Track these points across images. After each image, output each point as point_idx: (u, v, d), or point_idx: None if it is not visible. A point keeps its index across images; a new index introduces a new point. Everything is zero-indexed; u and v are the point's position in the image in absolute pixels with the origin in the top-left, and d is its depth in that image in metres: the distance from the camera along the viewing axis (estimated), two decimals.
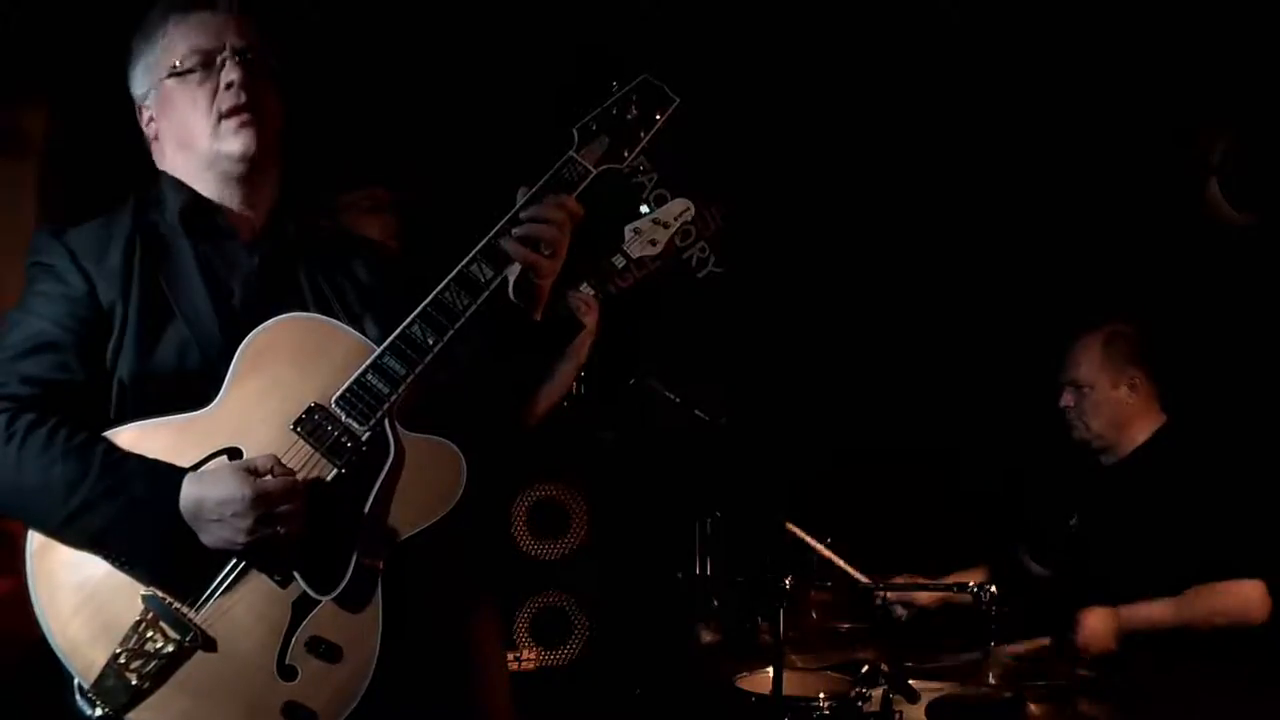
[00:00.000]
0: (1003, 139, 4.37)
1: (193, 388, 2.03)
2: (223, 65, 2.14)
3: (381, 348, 2.05)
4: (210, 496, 1.93)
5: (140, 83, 2.22)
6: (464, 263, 2.10)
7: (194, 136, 2.15)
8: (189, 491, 1.94)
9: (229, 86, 2.12)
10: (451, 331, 2.06)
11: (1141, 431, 3.55)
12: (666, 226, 3.19)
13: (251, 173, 2.16)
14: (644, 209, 3.18)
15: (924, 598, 3.69)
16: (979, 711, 3.08)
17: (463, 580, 3.35)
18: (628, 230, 3.23)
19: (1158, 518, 3.36)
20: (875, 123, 4.42)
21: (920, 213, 4.43)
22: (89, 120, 3.58)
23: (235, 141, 2.12)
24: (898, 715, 3.05)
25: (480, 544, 3.50)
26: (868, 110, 4.42)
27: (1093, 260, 4.33)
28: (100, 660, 1.94)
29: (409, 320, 2.06)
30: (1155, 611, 3.26)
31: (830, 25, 4.38)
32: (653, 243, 3.18)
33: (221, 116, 2.13)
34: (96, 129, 3.54)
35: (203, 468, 1.99)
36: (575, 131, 2.22)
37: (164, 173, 2.22)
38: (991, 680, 3.11)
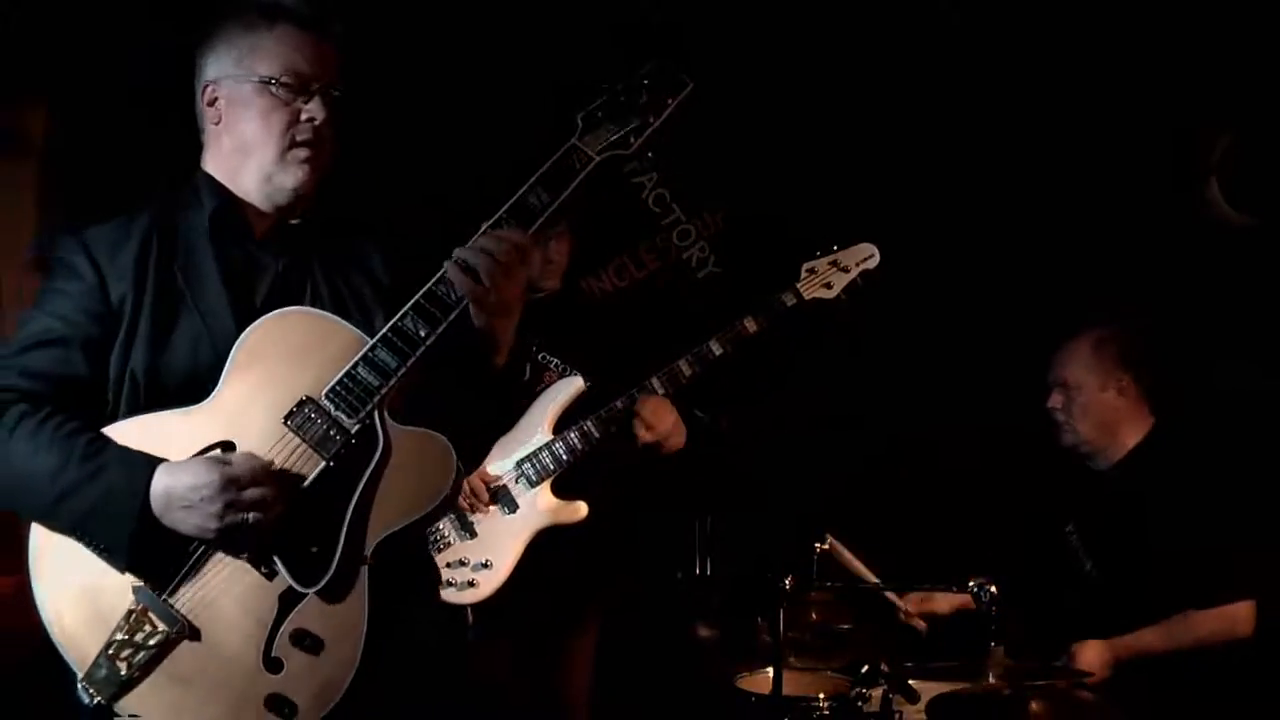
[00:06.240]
0: (1002, 139, 4.36)
1: (204, 383, 2.05)
2: (310, 97, 2.16)
3: (372, 341, 2.04)
4: (179, 484, 1.96)
5: (219, 66, 2.20)
6: (455, 254, 2.08)
7: (255, 149, 2.17)
8: (159, 481, 1.96)
9: (309, 120, 2.15)
10: (445, 324, 2.04)
11: (1131, 436, 3.53)
12: (846, 270, 3.03)
13: (295, 201, 2.20)
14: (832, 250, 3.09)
15: (943, 606, 3.67)
16: (979, 711, 3.07)
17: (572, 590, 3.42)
18: (803, 268, 3.13)
19: (1149, 525, 3.35)
20: (875, 123, 4.42)
21: (918, 213, 4.42)
22: (89, 120, 3.58)
23: (293, 176, 2.17)
24: (898, 715, 3.05)
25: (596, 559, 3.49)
26: (867, 111, 4.41)
27: (1092, 261, 4.32)
28: (94, 651, 1.98)
29: (401, 313, 2.05)
30: (1147, 640, 3.29)
31: (831, 25, 4.37)
32: (828, 285, 3.03)
33: (292, 145, 2.15)
34: (96, 129, 3.55)
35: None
36: (579, 119, 2.14)
37: (203, 172, 2.23)
38: (991, 680, 3.10)
